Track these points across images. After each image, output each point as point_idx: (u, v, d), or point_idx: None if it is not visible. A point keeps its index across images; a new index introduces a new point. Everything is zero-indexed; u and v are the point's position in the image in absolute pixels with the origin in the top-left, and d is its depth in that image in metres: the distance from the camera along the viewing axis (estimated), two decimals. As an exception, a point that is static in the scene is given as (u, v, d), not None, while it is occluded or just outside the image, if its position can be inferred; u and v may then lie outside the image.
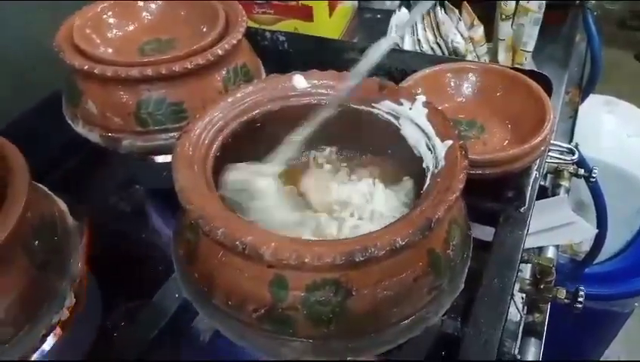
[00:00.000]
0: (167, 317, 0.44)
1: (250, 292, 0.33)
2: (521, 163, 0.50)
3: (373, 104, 0.43)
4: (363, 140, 0.46)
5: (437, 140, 0.39)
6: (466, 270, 0.38)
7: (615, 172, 0.94)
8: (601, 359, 1.27)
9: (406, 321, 0.34)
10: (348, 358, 0.35)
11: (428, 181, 0.37)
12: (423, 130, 0.40)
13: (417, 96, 0.41)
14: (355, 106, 0.43)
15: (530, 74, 0.57)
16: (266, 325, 0.33)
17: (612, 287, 0.94)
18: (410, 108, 0.41)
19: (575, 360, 1.13)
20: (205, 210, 0.33)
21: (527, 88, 0.55)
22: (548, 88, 0.56)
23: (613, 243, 0.98)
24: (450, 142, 0.38)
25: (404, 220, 0.33)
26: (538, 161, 0.53)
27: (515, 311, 0.55)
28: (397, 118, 0.42)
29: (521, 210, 0.50)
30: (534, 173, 0.53)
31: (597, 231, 0.83)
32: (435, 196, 0.34)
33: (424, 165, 0.39)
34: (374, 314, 0.33)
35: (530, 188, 0.51)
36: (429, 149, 0.39)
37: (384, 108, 0.42)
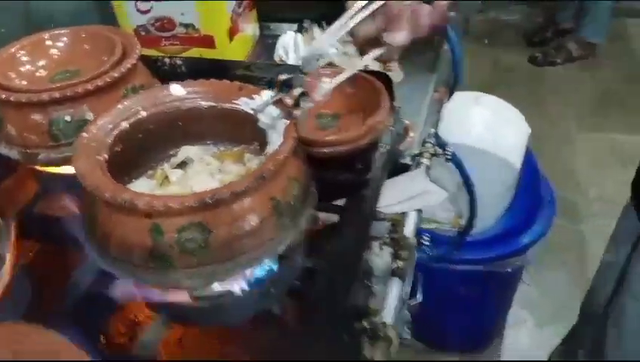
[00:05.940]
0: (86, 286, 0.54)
1: (135, 241, 0.44)
2: (365, 140, 0.63)
3: (233, 101, 0.56)
4: (230, 131, 0.58)
5: (280, 122, 0.52)
6: (308, 213, 0.51)
7: (487, 156, 1.10)
8: (512, 324, 1.46)
9: (257, 250, 0.47)
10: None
11: (272, 151, 0.50)
12: (271, 117, 0.53)
13: (263, 92, 0.54)
14: (221, 105, 0.56)
15: (374, 73, 0.71)
16: (151, 263, 0.45)
17: (491, 251, 1.11)
18: (261, 102, 0.55)
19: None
20: (99, 184, 0.44)
21: (371, 84, 0.69)
22: (389, 83, 0.71)
23: (490, 215, 1.15)
24: (287, 121, 0.51)
25: (248, 175, 0.46)
26: (383, 138, 0.67)
27: (382, 261, 0.67)
28: (254, 110, 0.55)
29: (368, 176, 0.63)
30: (380, 148, 0.66)
31: (470, 202, 0.99)
32: (270, 157, 0.47)
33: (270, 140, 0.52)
34: (231, 246, 0.45)
35: (375, 159, 0.65)
36: (275, 130, 0.52)
37: (242, 103, 0.55)
